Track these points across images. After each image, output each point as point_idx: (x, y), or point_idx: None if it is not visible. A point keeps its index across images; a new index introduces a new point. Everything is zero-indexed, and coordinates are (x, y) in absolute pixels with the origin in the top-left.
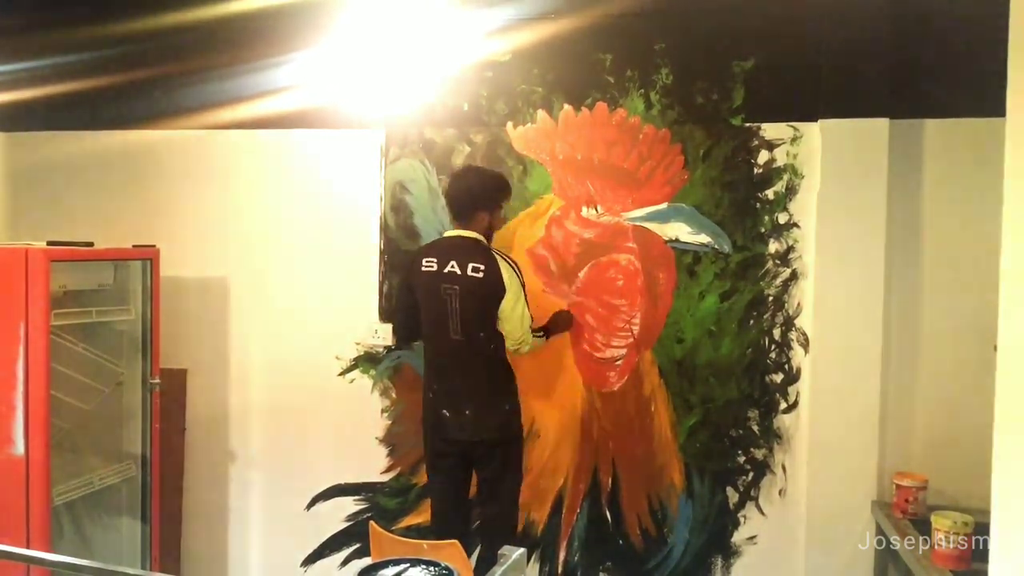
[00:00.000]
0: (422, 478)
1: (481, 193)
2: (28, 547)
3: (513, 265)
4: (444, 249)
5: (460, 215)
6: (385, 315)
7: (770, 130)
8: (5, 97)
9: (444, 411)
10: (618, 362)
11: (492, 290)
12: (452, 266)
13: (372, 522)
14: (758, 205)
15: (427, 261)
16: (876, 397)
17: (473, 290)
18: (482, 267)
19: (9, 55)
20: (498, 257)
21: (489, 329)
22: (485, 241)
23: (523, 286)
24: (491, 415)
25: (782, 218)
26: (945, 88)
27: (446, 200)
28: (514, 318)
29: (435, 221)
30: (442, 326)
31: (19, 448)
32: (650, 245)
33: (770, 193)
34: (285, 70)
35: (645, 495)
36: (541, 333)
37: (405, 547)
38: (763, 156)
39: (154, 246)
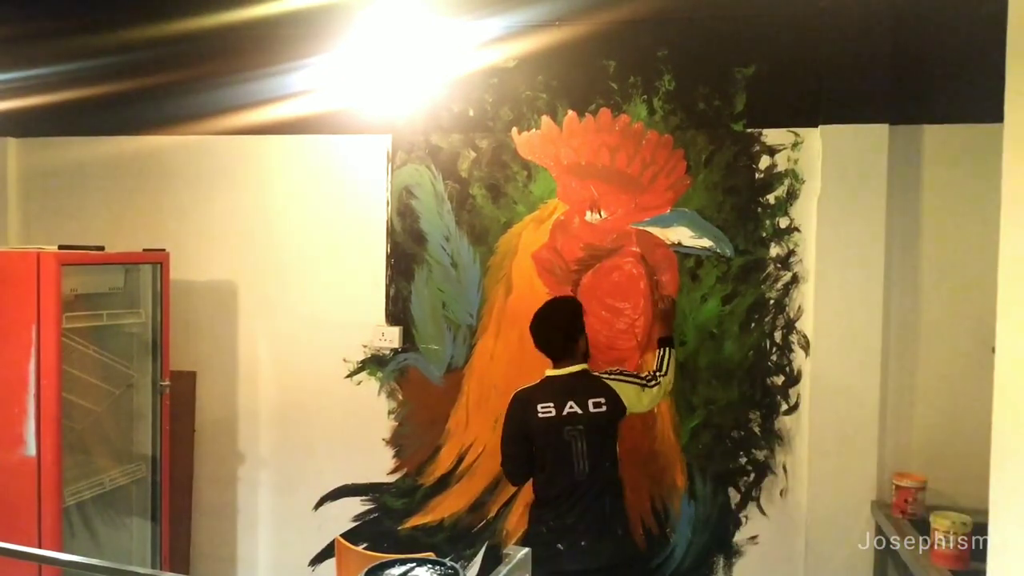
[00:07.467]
0: (428, 479)
1: (571, 323)
2: (40, 547)
3: (622, 377)
4: (557, 390)
5: (562, 352)
6: (392, 318)
7: (771, 135)
8: (18, 103)
9: (559, 544)
10: (621, 364)
11: (616, 416)
12: (571, 407)
13: (339, 538)
14: (759, 210)
15: (543, 407)
16: (876, 398)
17: (599, 424)
18: (603, 400)
19: (22, 62)
20: (610, 381)
21: (614, 455)
22: (590, 368)
23: (639, 383)
24: (606, 542)
25: (783, 222)
26: (944, 94)
27: (542, 345)
28: (642, 408)
29: (440, 225)
30: (566, 469)
31: (31, 449)
32: (653, 249)
33: (771, 198)
34: (293, 76)
35: (648, 495)
36: (662, 371)
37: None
38: (764, 161)
39: (164, 250)
